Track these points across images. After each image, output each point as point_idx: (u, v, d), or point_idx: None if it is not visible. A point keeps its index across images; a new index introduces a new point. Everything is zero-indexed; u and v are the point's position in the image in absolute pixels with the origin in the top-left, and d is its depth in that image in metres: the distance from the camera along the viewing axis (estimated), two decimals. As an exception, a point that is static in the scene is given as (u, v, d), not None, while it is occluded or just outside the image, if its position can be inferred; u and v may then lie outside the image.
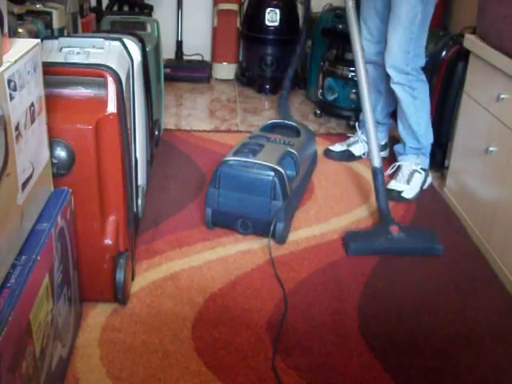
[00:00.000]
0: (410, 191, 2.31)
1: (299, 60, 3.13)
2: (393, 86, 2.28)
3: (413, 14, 2.14)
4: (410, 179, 2.33)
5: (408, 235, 1.93)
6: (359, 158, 2.63)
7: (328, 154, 2.67)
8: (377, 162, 2.02)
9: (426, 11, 2.17)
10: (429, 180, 2.41)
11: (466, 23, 2.61)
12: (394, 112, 2.52)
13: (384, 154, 2.55)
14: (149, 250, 1.86)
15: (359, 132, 2.64)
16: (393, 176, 2.39)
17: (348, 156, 2.63)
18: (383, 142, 2.60)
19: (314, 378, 1.41)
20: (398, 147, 2.45)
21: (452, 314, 1.66)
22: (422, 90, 2.29)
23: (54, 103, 1.35)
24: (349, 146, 2.65)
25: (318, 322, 1.59)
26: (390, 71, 2.25)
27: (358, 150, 2.63)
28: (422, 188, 2.36)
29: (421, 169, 2.37)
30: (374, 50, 2.38)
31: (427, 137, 2.36)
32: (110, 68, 1.42)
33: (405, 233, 1.93)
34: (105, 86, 1.41)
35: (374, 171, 2.02)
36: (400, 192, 2.29)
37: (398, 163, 2.41)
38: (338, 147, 2.66)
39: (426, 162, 2.40)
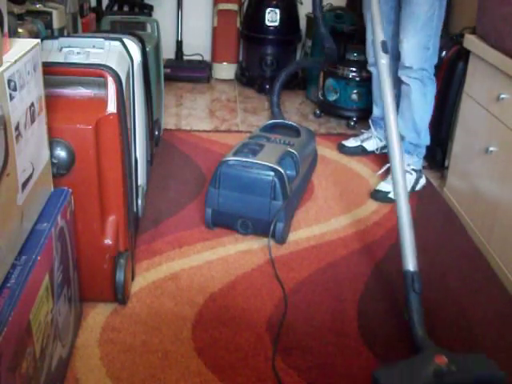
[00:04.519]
0: None
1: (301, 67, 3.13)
2: (406, 79, 2.30)
3: (431, 11, 2.17)
4: None
5: (459, 365, 1.39)
6: (372, 153, 2.67)
7: (342, 148, 2.72)
8: (411, 265, 1.55)
9: (442, 5, 2.20)
10: (422, 181, 2.40)
11: (466, 23, 2.61)
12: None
13: None
14: (149, 250, 1.86)
15: (372, 128, 2.68)
16: (383, 177, 2.40)
17: (361, 151, 2.68)
18: None
19: (313, 377, 1.41)
20: None
21: (452, 314, 1.66)
22: (432, 88, 2.33)
23: (54, 103, 1.35)
24: (362, 141, 2.69)
25: (317, 322, 1.59)
26: (407, 68, 2.27)
27: (370, 145, 2.68)
28: (413, 189, 2.35)
29: (412, 170, 2.37)
30: None
31: (426, 135, 2.38)
32: (110, 68, 1.42)
33: (455, 363, 1.38)
34: (105, 86, 1.41)
35: (411, 278, 1.54)
36: (387, 193, 2.27)
37: (389, 164, 2.40)
38: (351, 142, 2.72)
39: (419, 163, 2.41)
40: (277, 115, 2.87)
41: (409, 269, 1.55)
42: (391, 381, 1.37)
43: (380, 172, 2.44)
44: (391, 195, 2.27)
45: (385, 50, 1.76)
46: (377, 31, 1.80)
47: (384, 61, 1.77)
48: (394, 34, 2.34)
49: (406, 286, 1.54)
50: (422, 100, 2.32)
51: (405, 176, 1.68)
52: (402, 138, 2.40)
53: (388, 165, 2.40)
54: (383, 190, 2.30)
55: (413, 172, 2.37)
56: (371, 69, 2.55)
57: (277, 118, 2.77)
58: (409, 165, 2.37)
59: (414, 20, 2.20)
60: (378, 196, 2.29)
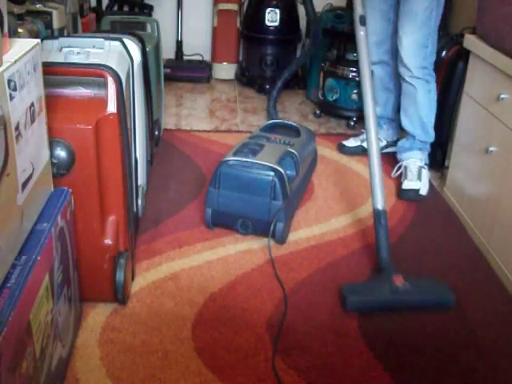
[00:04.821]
0: (423, 188, 2.33)
1: (300, 63, 3.17)
2: (410, 79, 2.30)
3: (429, 9, 2.19)
4: (420, 176, 2.35)
5: (414, 285, 1.66)
6: None
7: (342, 148, 2.71)
8: (380, 204, 1.80)
9: (440, 5, 2.22)
10: (428, 175, 2.43)
11: (466, 23, 2.61)
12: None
13: (394, 149, 2.56)
14: (149, 250, 1.86)
15: None
16: (400, 177, 2.40)
17: (361, 151, 2.65)
18: (395, 138, 2.64)
19: (314, 377, 1.41)
20: (403, 143, 2.46)
21: (452, 314, 1.66)
22: (434, 84, 2.34)
23: (54, 103, 1.35)
24: (362, 141, 2.68)
25: (317, 322, 1.59)
26: (409, 66, 2.27)
27: None
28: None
29: (425, 164, 2.40)
30: (382, 49, 2.42)
31: (432, 131, 2.40)
32: (110, 68, 1.42)
33: (410, 283, 1.66)
34: (105, 86, 1.41)
35: (377, 214, 1.79)
36: (417, 190, 2.30)
37: (403, 163, 2.42)
38: (351, 142, 2.71)
39: (427, 158, 2.45)
40: (271, 116, 2.93)
41: (377, 207, 1.79)
42: (354, 294, 1.65)
43: (396, 174, 2.43)
44: (421, 191, 2.31)
45: (362, 24, 1.93)
46: (356, 6, 1.95)
47: (362, 32, 1.93)
48: (394, 32, 2.34)
49: (375, 220, 1.79)
50: (426, 97, 2.33)
51: (376, 122, 1.87)
52: (410, 135, 2.41)
53: (402, 163, 2.42)
54: (412, 188, 2.31)
55: (425, 166, 2.40)
56: (373, 67, 2.55)
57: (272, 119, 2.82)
58: (422, 160, 2.40)
59: (413, 17, 2.20)
60: (409, 195, 2.30)
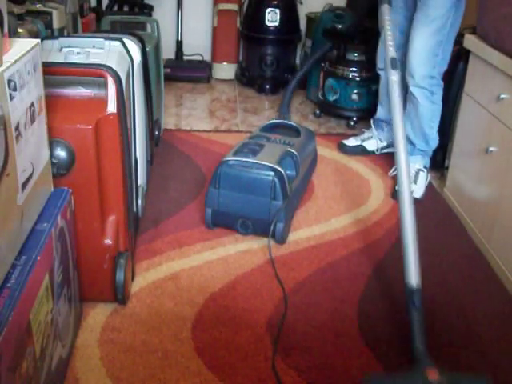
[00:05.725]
0: (418, 191, 2.32)
1: (311, 65, 3.17)
2: (412, 89, 2.28)
3: (446, 17, 2.16)
4: (416, 179, 2.35)
5: (451, 381, 1.35)
6: (372, 153, 2.68)
7: (342, 147, 2.72)
8: (415, 281, 1.49)
9: (458, 14, 2.19)
10: (428, 177, 2.43)
11: (466, 23, 2.61)
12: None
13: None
14: (149, 250, 1.86)
15: (373, 128, 2.68)
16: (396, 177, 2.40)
17: (361, 150, 2.67)
18: None
19: (314, 377, 1.41)
20: None
21: (452, 314, 1.66)
22: (439, 96, 2.31)
23: (54, 103, 1.35)
24: (363, 141, 2.69)
25: (318, 322, 1.59)
26: (415, 74, 2.24)
27: (371, 145, 2.68)
28: (428, 183, 2.39)
29: (424, 167, 2.40)
30: None
31: (435, 140, 2.39)
32: (110, 68, 1.42)
33: (446, 378, 1.34)
34: (105, 86, 1.41)
35: (411, 293, 1.48)
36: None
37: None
38: (352, 141, 2.72)
39: (428, 161, 2.45)
40: (282, 115, 2.92)
41: (411, 283, 1.50)
42: None
43: (394, 174, 2.43)
44: (415, 194, 2.29)
45: (394, 67, 1.78)
46: (388, 47, 1.84)
47: (394, 77, 1.76)
48: (405, 43, 2.31)
49: (407, 300, 1.50)
50: (429, 109, 2.30)
51: (409, 176, 1.64)
52: (410, 142, 2.40)
53: None
54: None
55: (424, 169, 2.40)
56: (380, 72, 2.55)
57: (281, 118, 2.82)
58: (420, 163, 2.40)
59: (428, 23, 2.17)
60: None
